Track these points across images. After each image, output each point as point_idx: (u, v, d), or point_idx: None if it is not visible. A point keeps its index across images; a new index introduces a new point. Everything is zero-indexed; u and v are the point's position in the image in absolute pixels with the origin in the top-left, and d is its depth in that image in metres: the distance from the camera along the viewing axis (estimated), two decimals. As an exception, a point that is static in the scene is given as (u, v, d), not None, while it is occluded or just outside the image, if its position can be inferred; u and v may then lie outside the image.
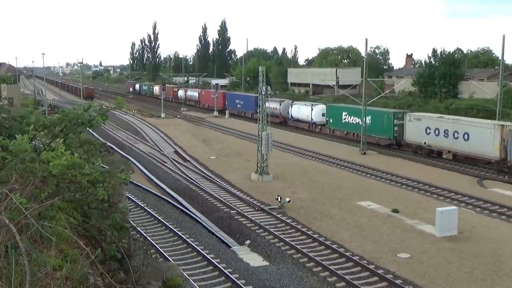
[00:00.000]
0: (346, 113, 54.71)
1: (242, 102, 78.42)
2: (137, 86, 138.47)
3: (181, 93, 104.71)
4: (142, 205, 28.38)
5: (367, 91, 51.45)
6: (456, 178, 36.44)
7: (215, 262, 20.13)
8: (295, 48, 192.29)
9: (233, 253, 21.71)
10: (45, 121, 12.82)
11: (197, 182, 34.14)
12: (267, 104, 37.11)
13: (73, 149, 11.39)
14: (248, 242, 23.07)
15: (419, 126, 44.16)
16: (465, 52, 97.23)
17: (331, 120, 57.42)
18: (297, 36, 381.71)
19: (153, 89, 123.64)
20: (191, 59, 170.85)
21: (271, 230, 24.23)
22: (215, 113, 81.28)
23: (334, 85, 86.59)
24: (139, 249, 12.26)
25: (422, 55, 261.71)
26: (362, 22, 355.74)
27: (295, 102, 67.08)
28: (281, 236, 23.42)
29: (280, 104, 66.98)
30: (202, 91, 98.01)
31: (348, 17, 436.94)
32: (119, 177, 11.27)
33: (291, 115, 65.72)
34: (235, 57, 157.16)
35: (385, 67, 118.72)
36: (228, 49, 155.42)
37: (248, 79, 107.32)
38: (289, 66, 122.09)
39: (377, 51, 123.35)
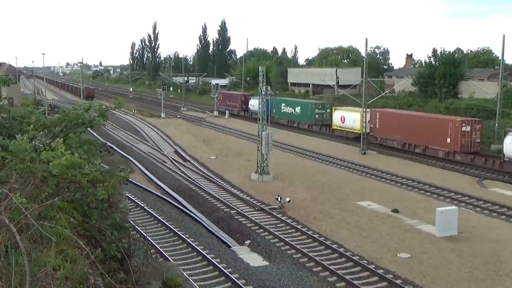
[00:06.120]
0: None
1: None
2: (253, 102, 66.93)
3: None
4: (142, 205, 28.37)
5: (367, 91, 51.48)
6: (456, 178, 36.42)
7: (215, 262, 20.13)
8: (295, 48, 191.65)
9: (233, 253, 21.71)
10: (45, 121, 12.85)
11: (197, 182, 34.12)
12: None
13: (73, 149, 11.40)
14: (248, 242, 23.07)
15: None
16: (465, 52, 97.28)
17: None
18: (297, 36, 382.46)
19: (327, 115, 59.32)
20: (191, 59, 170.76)
21: (271, 230, 24.23)
22: (215, 113, 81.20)
23: (334, 85, 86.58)
24: (139, 249, 12.27)
25: (422, 55, 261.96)
26: (362, 22, 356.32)
27: None
28: (281, 236, 23.41)
29: None
30: None
31: (348, 17, 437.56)
32: (119, 176, 11.28)
33: None
34: (235, 57, 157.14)
35: (385, 67, 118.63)
36: (228, 49, 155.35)
37: (248, 79, 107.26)
38: (289, 66, 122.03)
39: (377, 51, 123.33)
